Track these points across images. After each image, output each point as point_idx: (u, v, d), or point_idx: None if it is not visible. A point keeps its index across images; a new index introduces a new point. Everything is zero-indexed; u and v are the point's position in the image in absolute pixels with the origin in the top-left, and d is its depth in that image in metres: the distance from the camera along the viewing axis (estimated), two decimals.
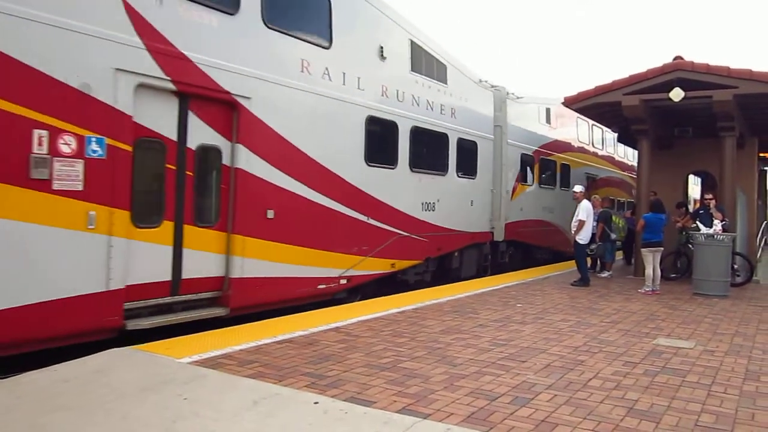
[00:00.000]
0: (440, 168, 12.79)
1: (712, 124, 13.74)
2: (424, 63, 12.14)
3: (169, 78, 7.29)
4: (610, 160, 24.39)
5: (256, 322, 7.82)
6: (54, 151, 6.21)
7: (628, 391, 5.39)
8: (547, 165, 18.06)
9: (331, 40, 9.73)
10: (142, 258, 7.14)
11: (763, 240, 22.70)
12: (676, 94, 12.96)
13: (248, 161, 8.35)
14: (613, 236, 14.54)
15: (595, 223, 13.73)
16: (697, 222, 12.85)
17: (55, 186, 6.23)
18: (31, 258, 6.09)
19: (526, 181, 16.62)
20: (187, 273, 7.69)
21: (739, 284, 13.12)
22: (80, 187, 6.44)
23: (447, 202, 12.90)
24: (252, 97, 8.34)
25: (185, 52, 7.46)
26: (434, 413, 4.66)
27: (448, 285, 12.01)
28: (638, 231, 12.79)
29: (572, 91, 14.97)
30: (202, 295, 7.93)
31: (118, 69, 6.75)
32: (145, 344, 6.41)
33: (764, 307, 10.54)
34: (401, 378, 5.54)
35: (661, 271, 14.19)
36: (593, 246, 13.78)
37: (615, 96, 13.89)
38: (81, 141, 6.44)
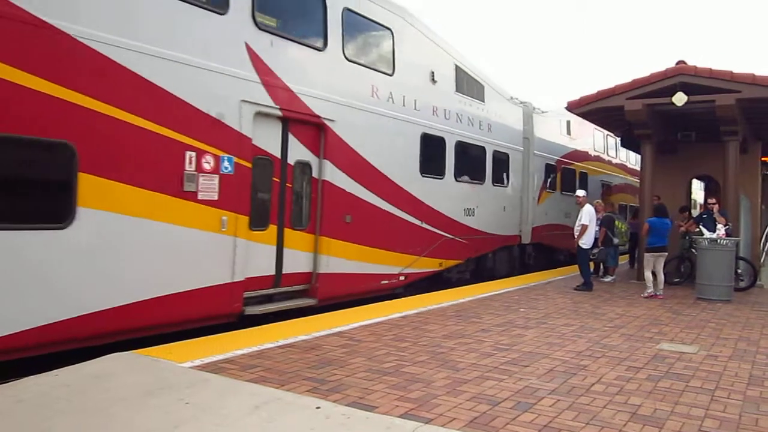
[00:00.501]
0: (479, 177, 14.27)
1: (715, 128, 13.71)
2: (466, 84, 13.68)
3: (277, 106, 8.84)
4: (623, 167, 25.49)
5: (257, 327, 7.81)
6: (199, 168, 7.74)
7: (631, 396, 5.37)
8: (567, 173, 19.26)
9: (394, 68, 11.32)
10: (256, 255, 8.63)
11: (767, 244, 22.63)
12: (679, 99, 12.95)
13: (332, 174, 9.89)
14: (616, 241, 14.51)
15: (597, 228, 13.72)
16: (701, 226, 12.81)
17: (200, 196, 7.76)
18: (182, 254, 7.59)
19: (549, 188, 17.81)
20: (286, 268, 9.21)
21: (742, 289, 13.08)
22: (216, 197, 7.96)
23: (484, 208, 14.38)
24: (336, 119, 9.87)
25: (288, 84, 9.02)
26: (436, 418, 4.64)
27: (450, 290, 12.01)
28: (643, 235, 12.84)
29: (575, 95, 14.97)
30: (295, 287, 9.45)
31: (243, 100, 8.29)
32: (147, 348, 6.40)
33: None
34: (403, 383, 5.53)
35: (665, 275, 14.20)
36: (595, 251, 13.75)
37: (618, 100, 13.87)
38: (217, 160, 7.99)
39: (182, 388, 5.09)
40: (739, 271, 13.23)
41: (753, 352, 7.37)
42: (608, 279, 14.49)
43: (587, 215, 12.85)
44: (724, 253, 11.77)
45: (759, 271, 14.45)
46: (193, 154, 7.66)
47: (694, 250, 13.17)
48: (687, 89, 12.92)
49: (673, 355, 7.06)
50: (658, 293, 11.92)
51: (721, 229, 12.14)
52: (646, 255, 12.39)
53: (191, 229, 7.64)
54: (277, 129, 9.03)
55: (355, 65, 10.36)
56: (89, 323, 6.62)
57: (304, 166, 9.56)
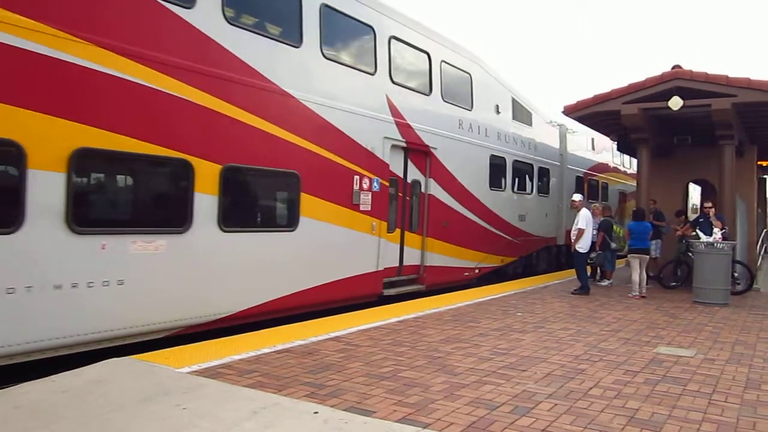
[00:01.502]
0: (528, 189, 17.27)
1: (711, 132, 13.76)
2: (519, 113, 16.59)
3: (403, 140, 11.75)
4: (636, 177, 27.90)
5: (255, 332, 7.80)
6: (361, 188, 10.67)
7: (628, 400, 5.37)
8: (592, 184, 22.36)
9: (472, 105, 14.20)
10: (389, 251, 11.53)
11: (763, 248, 22.69)
12: (675, 103, 13.00)
13: (435, 189, 12.83)
14: (613, 245, 14.54)
15: (595, 232, 13.75)
16: (697, 230, 12.84)
17: (361, 208, 10.72)
18: (353, 249, 10.59)
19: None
20: (405, 261, 12.11)
21: (739, 292, 13.11)
22: (369, 209, 10.89)
23: (531, 215, 17.13)
24: (437, 147, 12.74)
25: (409, 122, 11.88)
26: (434, 423, 4.64)
27: (448, 294, 12.02)
28: (624, 239, 13.36)
29: (571, 100, 15.08)
30: (410, 276, 12.28)
31: (385, 137, 11.23)
32: (144, 354, 6.39)
33: (765, 315, 10.53)
34: (401, 387, 5.52)
35: (661, 279, 14.25)
36: (593, 254, 13.79)
37: (614, 105, 13.92)
38: (371, 181, 10.94)
39: (179, 394, 5.08)
40: (736, 274, 13.26)
41: (750, 355, 7.38)
42: (605, 283, 14.51)
43: (584, 219, 12.88)
44: (720, 257, 11.79)
45: (755, 275, 14.48)
46: (358, 177, 10.61)
47: (690, 254, 13.20)
48: (683, 93, 12.97)
49: (671, 358, 7.07)
50: (642, 293, 12.39)
51: (717, 233, 12.17)
52: (629, 257, 12.83)
53: (357, 231, 10.66)
54: (401, 156, 11.93)
55: (449, 104, 13.30)
56: (303, 297, 9.53)
57: (417, 183, 12.52)
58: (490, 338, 7.86)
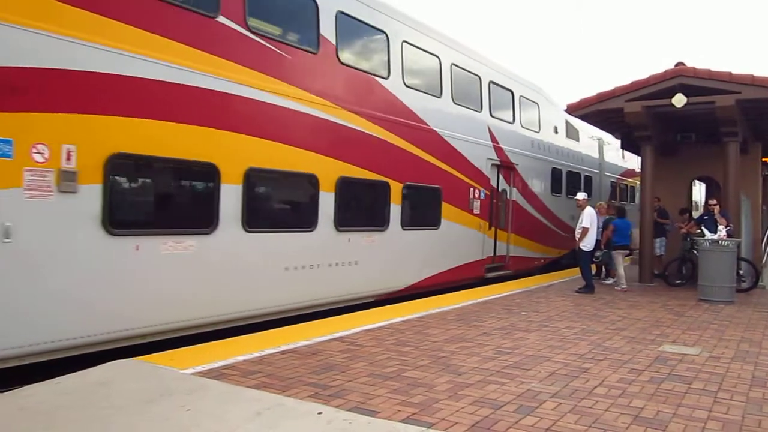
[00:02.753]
0: (576, 192, 19.11)
1: (715, 129, 13.70)
2: (570, 131, 20.13)
3: (498, 159, 15.20)
4: None
5: (259, 333, 7.81)
6: (474, 197, 14.03)
7: (633, 399, 5.36)
8: (622, 187, 26.00)
9: (539, 128, 17.74)
10: (488, 244, 14.88)
11: None
12: (679, 100, 12.94)
13: (516, 196, 16.24)
14: None
15: (600, 230, 13.74)
16: (702, 228, 12.80)
17: (474, 212, 14.12)
18: (469, 242, 14.03)
19: (611, 199, 23.69)
20: (497, 252, 15.40)
21: (744, 290, 13.05)
22: (479, 212, 14.29)
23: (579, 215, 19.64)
24: (518, 163, 16.22)
25: (501, 145, 15.32)
26: (438, 422, 4.63)
27: (452, 293, 12.02)
28: (609, 235, 13.80)
29: (574, 98, 15.14)
30: (498, 264, 15.48)
31: (488, 158, 14.70)
32: (148, 355, 6.40)
33: None
34: (405, 387, 5.52)
35: (666, 277, 14.22)
36: (598, 253, 13.76)
37: (617, 102, 13.86)
38: (479, 191, 14.24)
39: (183, 395, 5.09)
40: (741, 272, 13.20)
41: (755, 353, 7.35)
42: (610, 281, 14.47)
43: (588, 218, 12.87)
44: (725, 255, 11.75)
45: (761, 272, 14.41)
46: (473, 189, 14.04)
47: (695, 252, 13.16)
48: (686, 91, 12.91)
49: (676, 357, 7.05)
50: (624, 286, 13.34)
51: (722, 231, 12.12)
52: (614, 253, 13.74)
53: (472, 229, 14.10)
54: (495, 171, 15.26)
55: (526, 129, 16.81)
56: (440, 278, 12.99)
57: (504, 191, 15.76)
58: (495, 337, 7.85)
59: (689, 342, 7.91)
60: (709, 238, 12.06)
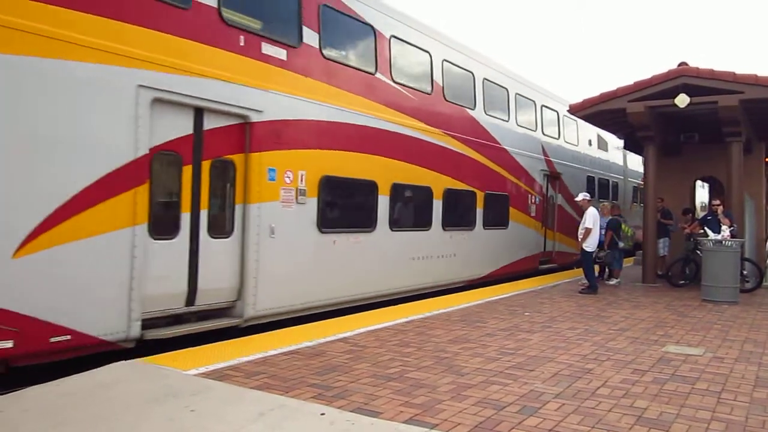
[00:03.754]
0: (606, 197, 22.47)
1: (718, 129, 13.66)
2: (601, 143, 22.98)
3: (548, 170, 17.96)
4: None
5: (262, 334, 7.82)
6: (532, 202, 16.64)
7: (636, 399, 5.35)
8: (642, 191, 29.51)
9: (578, 142, 20.74)
10: (540, 241, 17.51)
11: None
12: (682, 100, 12.93)
13: (561, 200, 18.89)
14: (621, 244, 14.51)
15: (603, 231, 13.74)
16: (705, 228, 12.77)
17: (531, 214, 16.79)
18: (528, 239, 16.60)
19: (634, 201, 26.90)
20: (546, 248, 17.86)
21: (748, 290, 13.02)
22: (534, 214, 16.97)
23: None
24: (563, 173, 18.97)
25: (550, 158, 18.12)
26: (441, 423, 4.63)
27: (455, 294, 12.02)
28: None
29: (577, 97, 15.17)
30: (546, 258, 17.83)
31: (540, 170, 17.46)
32: (152, 357, 6.42)
33: None
34: (408, 388, 5.52)
35: (670, 277, 14.20)
36: (601, 253, 13.75)
37: (620, 103, 13.85)
38: (535, 197, 16.88)
39: (187, 396, 5.10)
40: (745, 272, 13.16)
41: (759, 353, 7.33)
42: (613, 282, 14.46)
43: (591, 218, 12.87)
44: (729, 255, 11.72)
45: (765, 273, 14.37)
46: (531, 195, 16.76)
47: (699, 252, 13.13)
48: (689, 91, 12.89)
49: (679, 357, 7.03)
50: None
51: (725, 231, 12.10)
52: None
53: (530, 228, 16.79)
54: (546, 180, 17.91)
55: (568, 144, 19.76)
56: (506, 269, 15.45)
57: (552, 197, 18.31)
58: (498, 338, 7.84)
59: (693, 342, 7.90)
60: (713, 238, 12.03)
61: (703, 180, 19.21)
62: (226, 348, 6.90)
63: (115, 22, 6.85)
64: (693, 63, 13.37)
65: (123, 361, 6.13)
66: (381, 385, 5.58)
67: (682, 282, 14.04)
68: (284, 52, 9.09)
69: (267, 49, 8.80)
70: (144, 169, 7.12)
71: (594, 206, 13.60)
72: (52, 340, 6.28)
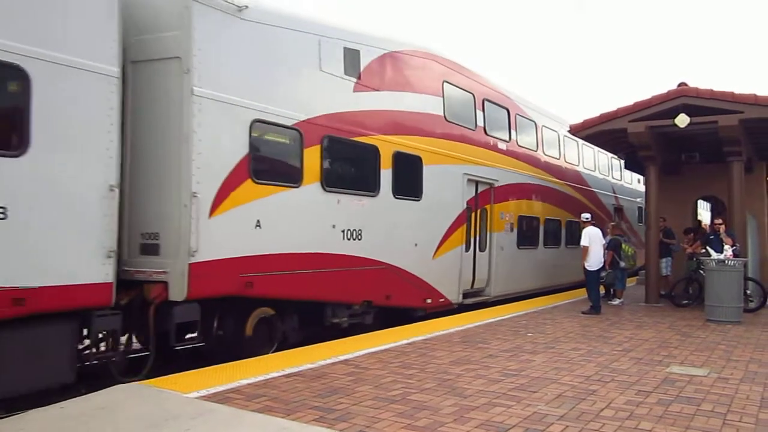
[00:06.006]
0: (634, 221, 26.16)
1: (718, 149, 13.71)
2: (615, 168, 24.40)
3: (616, 204, 23.39)
4: None
5: (264, 356, 7.79)
6: (607, 229, 15.74)
7: (641, 421, 5.30)
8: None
9: (631, 181, 25.65)
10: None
11: None
12: (682, 120, 12.98)
13: (624, 227, 22.10)
14: (622, 264, 14.48)
15: (605, 251, 13.74)
16: (707, 248, 12.75)
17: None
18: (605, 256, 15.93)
19: (639, 222, 28.15)
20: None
21: (752, 310, 12.95)
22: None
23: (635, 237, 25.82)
24: (624, 206, 24.16)
25: (617, 195, 23.72)
26: None
27: (457, 315, 11.96)
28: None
29: (578, 118, 15.26)
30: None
31: (612, 204, 23.02)
32: (152, 379, 6.38)
33: None
34: (410, 410, 5.47)
35: (673, 297, 14.14)
36: (603, 273, 13.72)
37: (620, 123, 13.91)
38: (609, 225, 16.59)
39: (188, 419, 5.06)
40: (748, 291, 13.11)
41: (764, 374, 7.27)
42: (616, 302, 14.40)
43: (586, 237, 13.00)
44: (732, 274, 11.67)
45: None
46: (607, 220, 19.93)
47: (702, 272, 13.09)
48: (689, 111, 12.95)
49: (684, 378, 6.98)
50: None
51: (728, 250, 12.07)
52: None
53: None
54: (615, 211, 22.60)
55: (626, 183, 25.03)
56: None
57: (619, 223, 20.05)
58: (500, 359, 7.80)
59: (697, 363, 7.84)
60: (715, 257, 12.00)
61: (705, 199, 19.24)
62: (226, 370, 6.86)
63: (454, 143, 13.18)
64: (692, 82, 13.45)
65: (123, 384, 6.11)
66: (383, 408, 5.54)
67: (686, 302, 13.97)
68: (505, 144, 15.39)
69: (500, 144, 15.19)
70: (464, 214, 13.53)
71: (596, 226, 13.65)
72: (440, 300, 12.67)
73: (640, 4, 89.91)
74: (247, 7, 8.27)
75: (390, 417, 5.27)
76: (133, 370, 7.55)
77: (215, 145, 7.83)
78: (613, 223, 15.68)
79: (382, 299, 10.95)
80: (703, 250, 13.15)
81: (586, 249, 12.91)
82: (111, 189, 6.88)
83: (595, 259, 13.01)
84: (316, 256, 9.42)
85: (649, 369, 7.42)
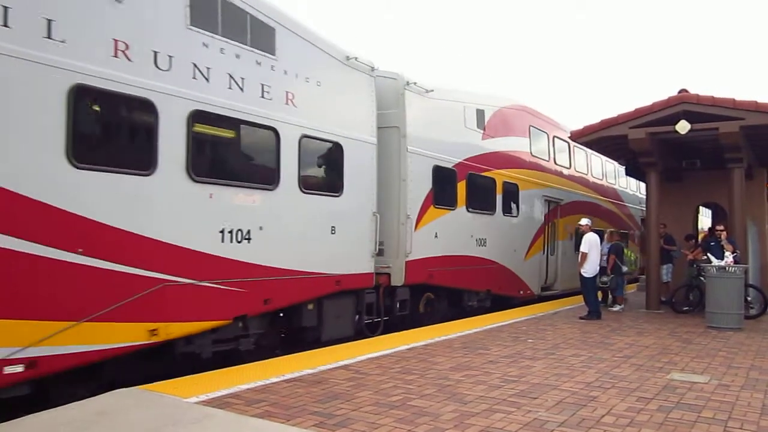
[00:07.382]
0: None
1: (719, 155, 13.72)
2: (642, 185, 25.08)
3: (642, 215, 22.70)
4: None
5: (264, 361, 7.77)
6: (636, 237, 25.59)
7: (642, 428, 5.28)
8: None
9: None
10: (639, 261, 23.19)
11: None
12: (683, 127, 12.99)
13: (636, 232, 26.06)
14: (624, 269, 14.46)
15: (606, 256, 13.72)
16: (708, 254, 12.73)
17: (636, 243, 24.84)
18: (635, 260, 23.20)
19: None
20: (638, 266, 22.64)
21: (753, 317, 12.93)
22: (637, 244, 24.56)
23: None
24: (639, 219, 26.39)
25: (642, 207, 22.97)
26: None
27: (457, 321, 11.95)
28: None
29: (579, 124, 15.33)
30: (641, 275, 20.05)
31: (640, 216, 25.27)
32: (152, 384, 6.37)
33: None
34: (410, 416, 5.46)
35: (673, 304, 14.12)
36: (605, 278, 13.71)
37: (621, 129, 13.92)
38: (637, 233, 25.54)
39: (187, 424, 5.05)
40: (749, 298, 13.10)
41: (765, 381, 7.25)
42: (617, 308, 14.38)
43: (586, 243, 12.98)
44: (733, 281, 11.67)
45: None
46: (635, 232, 25.60)
47: (702, 278, 13.08)
48: (690, 117, 12.97)
49: (684, 385, 6.96)
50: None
51: (729, 257, 12.06)
52: None
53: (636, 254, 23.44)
54: (641, 222, 24.36)
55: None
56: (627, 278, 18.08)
57: (644, 232, 19.82)
58: (501, 365, 7.78)
59: (698, 370, 7.82)
60: (716, 264, 11.99)
61: (706, 206, 19.25)
62: (227, 375, 6.85)
63: (537, 172, 16.99)
64: (693, 88, 13.52)
65: (123, 389, 6.09)
66: (383, 414, 5.53)
67: (686, 308, 13.96)
68: (566, 171, 19.14)
69: (564, 171, 19.00)
70: (543, 227, 17.37)
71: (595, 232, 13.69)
72: (528, 292, 16.32)
73: (641, 11, 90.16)
74: (433, 90, 12.28)
75: (390, 423, 5.26)
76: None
77: (417, 184, 11.82)
78: (611, 230, 15.62)
79: (496, 289, 14.81)
80: (704, 257, 13.14)
81: (584, 255, 12.90)
82: (374, 214, 10.73)
83: (591, 266, 13.00)
84: (463, 258, 13.41)
85: (649, 375, 7.40)
